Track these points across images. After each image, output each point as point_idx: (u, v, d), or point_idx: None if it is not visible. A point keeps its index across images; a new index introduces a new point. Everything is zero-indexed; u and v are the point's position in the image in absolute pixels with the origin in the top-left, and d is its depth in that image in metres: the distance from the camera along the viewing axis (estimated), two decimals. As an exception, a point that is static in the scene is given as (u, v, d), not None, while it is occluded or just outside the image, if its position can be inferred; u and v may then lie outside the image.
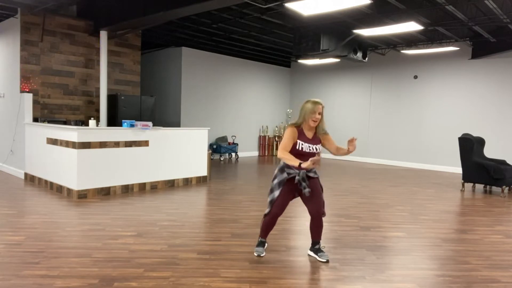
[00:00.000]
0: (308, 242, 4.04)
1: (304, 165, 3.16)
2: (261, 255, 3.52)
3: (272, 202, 3.42)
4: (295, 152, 3.34)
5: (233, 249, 3.69)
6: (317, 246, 3.55)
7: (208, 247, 3.76)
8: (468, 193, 7.09)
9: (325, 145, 3.51)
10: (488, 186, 7.40)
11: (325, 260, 3.45)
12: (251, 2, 6.19)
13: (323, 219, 3.55)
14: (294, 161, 3.23)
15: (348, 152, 3.40)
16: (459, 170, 8.30)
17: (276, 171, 3.49)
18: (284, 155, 3.31)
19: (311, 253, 3.58)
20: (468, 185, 7.64)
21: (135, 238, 3.93)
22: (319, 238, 3.56)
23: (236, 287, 2.90)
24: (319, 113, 3.32)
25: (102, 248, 3.62)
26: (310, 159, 3.17)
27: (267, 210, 3.47)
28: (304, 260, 3.50)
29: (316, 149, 3.40)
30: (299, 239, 4.17)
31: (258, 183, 7.65)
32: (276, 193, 3.39)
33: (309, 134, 3.40)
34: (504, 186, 6.77)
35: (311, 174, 3.44)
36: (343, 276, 3.17)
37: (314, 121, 3.33)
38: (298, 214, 5.22)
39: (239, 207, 5.39)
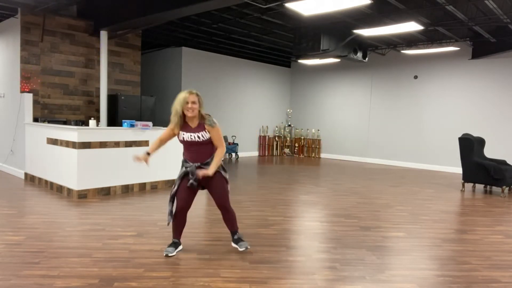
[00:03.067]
0: (308, 241, 4.05)
1: (135, 156, 3.50)
2: (170, 255, 3.43)
3: (172, 196, 3.46)
4: (182, 143, 3.44)
5: (233, 249, 3.68)
6: (235, 237, 3.61)
7: (208, 247, 3.76)
8: (468, 193, 7.09)
9: (210, 134, 3.41)
10: (488, 186, 7.39)
11: (244, 249, 3.51)
12: (251, 2, 6.19)
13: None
14: (150, 148, 3.56)
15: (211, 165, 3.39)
16: (459, 170, 8.30)
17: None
18: (155, 140, 3.59)
19: (233, 244, 3.64)
20: (468, 185, 7.64)
21: (135, 238, 3.93)
22: (235, 228, 3.61)
23: (236, 287, 2.90)
24: (192, 102, 3.26)
25: (102, 248, 3.62)
26: (134, 155, 3.49)
27: (169, 207, 3.48)
28: (304, 260, 3.50)
29: (199, 137, 3.33)
30: (299, 239, 4.17)
31: (258, 183, 7.65)
32: (175, 187, 3.45)
33: (193, 123, 3.36)
34: (504, 186, 6.77)
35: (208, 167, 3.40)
36: (343, 276, 3.17)
37: (188, 110, 3.28)
38: (298, 214, 5.22)
39: (239, 207, 5.38)
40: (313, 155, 12.88)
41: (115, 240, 3.85)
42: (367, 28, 7.43)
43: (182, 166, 3.49)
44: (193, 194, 3.48)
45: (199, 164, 3.39)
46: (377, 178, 8.53)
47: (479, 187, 7.66)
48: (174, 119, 3.37)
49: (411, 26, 7.00)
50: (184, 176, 3.44)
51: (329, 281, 3.07)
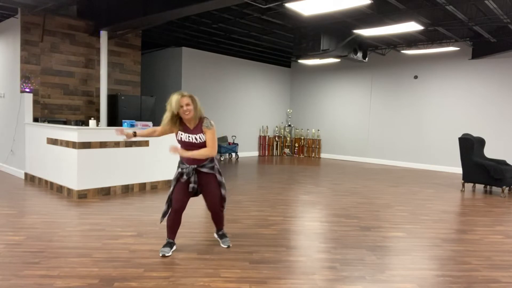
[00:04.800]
0: (308, 241, 4.06)
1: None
2: (166, 255, 3.46)
3: (169, 198, 3.50)
4: (179, 143, 3.46)
5: (233, 249, 3.69)
6: (220, 232, 3.81)
7: (208, 247, 3.76)
8: (468, 193, 7.09)
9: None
10: (488, 186, 7.39)
11: (226, 246, 3.69)
12: (251, 2, 6.19)
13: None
14: (139, 132, 3.69)
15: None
16: (459, 170, 8.30)
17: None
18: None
19: (216, 236, 3.84)
20: (468, 185, 7.64)
21: (135, 238, 3.93)
22: (221, 226, 3.81)
23: (236, 287, 2.90)
24: (186, 105, 3.30)
25: (102, 248, 3.62)
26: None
27: (164, 208, 3.52)
28: (304, 260, 3.50)
29: (196, 139, 3.37)
30: (299, 239, 4.17)
31: (258, 183, 7.65)
32: (171, 188, 3.50)
33: (191, 125, 3.41)
34: (504, 186, 6.77)
35: (205, 170, 3.45)
36: (343, 276, 3.17)
37: (184, 113, 3.32)
38: (298, 214, 5.22)
39: (239, 207, 5.39)
40: (313, 155, 12.88)
41: (115, 240, 3.85)
42: (367, 28, 7.42)
43: (178, 167, 3.51)
44: (188, 195, 3.51)
45: (195, 166, 3.42)
46: (377, 178, 8.52)
47: (479, 187, 7.66)
48: (167, 120, 3.39)
49: (411, 26, 7.00)
50: (179, 177, 3.46)
51: (329, 281, 3.07)
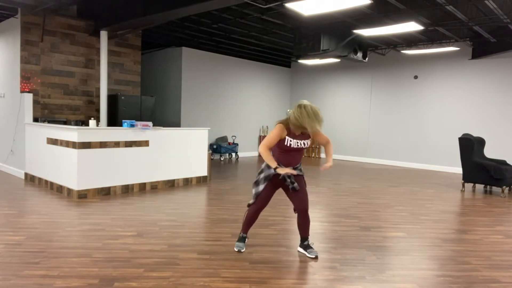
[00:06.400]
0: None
1: (279, 170, 3.33)
2: (242, 251, 3.58)
3: (257, 194, 3.54)
4: (284, 148, 3.42)
5: (233, 249, 3.69)
6: (306, 243, 3.62)
7: (208, 247, 3.76)
8: (468, 193, 7.08)
9: (315, 138, 3.58)
10: (488, 186, 7.40)
11: (314, 256, 3.53)
12: (251, 2, 6.19)
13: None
14: (272, 162, 3.36)
15: (327, 160, 3.59)
16: (459, 170, 8.30)
17: (263, 166, 3.54)
18: (264, 152, 3.37)
19: (301, 250, 3.65)
20: (468, 185, 7.64)
21: (135, 238, 3.93)
22: (307, 234, 3.63)
23: (236, 287, 2.90)
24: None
25: (102, 248, 3.62)
26: (288, 170, 3.33)
27: (251, 201, 3.59)
28: (304, 260, 3.50)
29: (304, 144, 3.46)
30: (299, 239, 4.16)
31: (258, 183, 7.65)
32: (261, 187, 3.51)
33: (297, 131, 3.43)
34: (504, 186, 6.77)
35: (296, 172, 3.49)
36: (343, 276, 3.17)
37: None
38: (298, 214, 5.22)
39: (239, 207, 5.39)
40: (313, 155, 12.88)
41: (115, 240, 3.85)
42: (367, 28, 7.42)
43: (270, 168, 3.42)
44: (272, 196, 3.57)
45: (291, 167, 3.45)
46: (377, 178, 8.52)
47: (479, 187, 7.66)
48: (291, 125, 3.35)
49: (411, 26, 7.00)
50: (271, 178, 3.47)
51: (329, 281, 3.07)
